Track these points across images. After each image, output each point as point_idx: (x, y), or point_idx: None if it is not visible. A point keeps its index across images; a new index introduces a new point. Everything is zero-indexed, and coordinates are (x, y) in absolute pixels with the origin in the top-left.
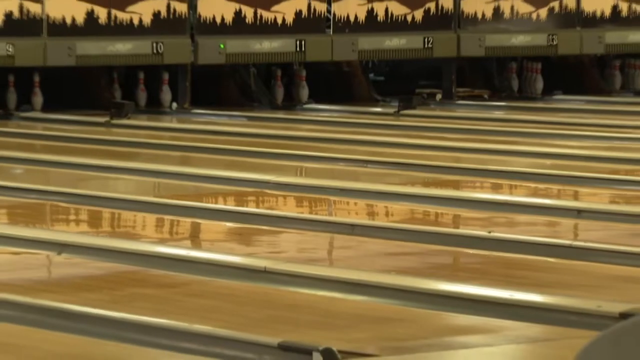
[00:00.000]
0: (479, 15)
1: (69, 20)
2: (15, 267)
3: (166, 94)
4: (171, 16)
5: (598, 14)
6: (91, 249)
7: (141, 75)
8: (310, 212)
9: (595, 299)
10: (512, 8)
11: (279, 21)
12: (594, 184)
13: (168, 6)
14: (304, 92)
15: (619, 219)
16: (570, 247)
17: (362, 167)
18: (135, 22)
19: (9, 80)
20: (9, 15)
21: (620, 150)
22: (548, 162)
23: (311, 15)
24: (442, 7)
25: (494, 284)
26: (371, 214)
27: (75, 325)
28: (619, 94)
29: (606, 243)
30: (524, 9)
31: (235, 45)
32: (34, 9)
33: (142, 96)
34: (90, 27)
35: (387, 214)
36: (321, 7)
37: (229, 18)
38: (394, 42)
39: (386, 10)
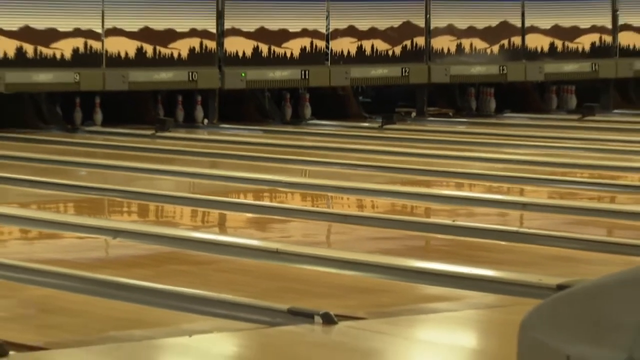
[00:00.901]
0: (445, 51)
1: (123, 55)
2: (80, 248)
3: (199, 112)
4: (203, 51)
5: (539, 49)
6: (140, 234)
7: (179, 98)
8: (312, 205)
9: (538, 274)
10: (471, 44)
11: (288, 55)
12: (536, 183)
13: (201, 43)
14: (308, 111)
15: (556, 211)
16: (517, 232)
17: (354, 170)
18: (175, 56)
19: (76, 102)
20: (76, 51)
21: (557, 157)
22: (499, 165)
23: (313, 51)
24: (416, 44)
25: (458, 262)
26: (360, 207)
27: (127, 295)
28: (554, 112)
29: (545, 230)
30: (480, 45)
31: (253, 74)
32: (96, 45)
33: (180, 114)
34: (140, 60)
35: (373, 207)
36: (321, 44)
37: (248, 53)
38: (378, 71)
39: (372, 46)
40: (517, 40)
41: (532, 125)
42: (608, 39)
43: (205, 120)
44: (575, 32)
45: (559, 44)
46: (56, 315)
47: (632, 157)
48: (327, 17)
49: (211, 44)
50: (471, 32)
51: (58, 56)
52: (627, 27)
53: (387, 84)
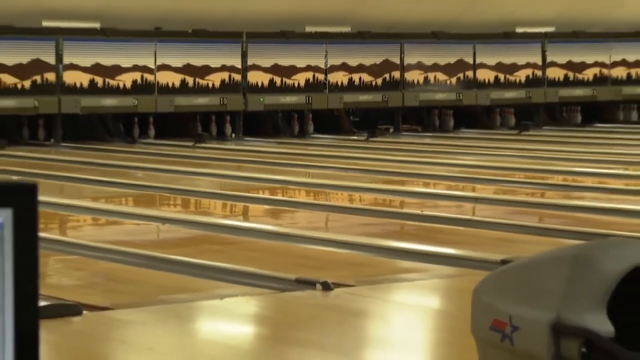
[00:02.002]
0: (415, 82)
1: (170, 85)
2: (137, 232)
3: (228, 128)
4: (231, 82)
5: (486, 80)
6: (182, 222)
7: (213, 117)
8: (314, 199)
9: (486, 252)
10: (435, 77)
11: (296, 85)
12: (485, 182)
13: (229, 76)
14: (310, 127)
15: (500, 204)
16: (470, 220)
17: (346, 173)
18: (210, 85)
19: (134, 120)
20: (134, 82)
21: (500, 162)
22: (456, 169)
23: (315, 82)
24: (393, 77)
25: (425, 242)
26: (351, 200)
27: (173, 268)
28: (498, 128)
29: (492, 218)
30: (442, 77)
31: (269, 99)
32: (150, 78)
33: (213, 129)
34: (183, 89)
35: (360, 200)
36: (321, 77)
37: (265, 83)
38: (365, 97)
39: (360, 78)
40: (470, 73)
41: (481, 138)
42: (539, 72)
43: (233, 135)
44: (514, 68)
45: (501, 76)
46: (119, 283)
47: (557, 162)
48: (326, 56)
49: (237, 76)
50: (435, 67)
51: (121, 86)
52: (553, 64)
53: (371, 107)
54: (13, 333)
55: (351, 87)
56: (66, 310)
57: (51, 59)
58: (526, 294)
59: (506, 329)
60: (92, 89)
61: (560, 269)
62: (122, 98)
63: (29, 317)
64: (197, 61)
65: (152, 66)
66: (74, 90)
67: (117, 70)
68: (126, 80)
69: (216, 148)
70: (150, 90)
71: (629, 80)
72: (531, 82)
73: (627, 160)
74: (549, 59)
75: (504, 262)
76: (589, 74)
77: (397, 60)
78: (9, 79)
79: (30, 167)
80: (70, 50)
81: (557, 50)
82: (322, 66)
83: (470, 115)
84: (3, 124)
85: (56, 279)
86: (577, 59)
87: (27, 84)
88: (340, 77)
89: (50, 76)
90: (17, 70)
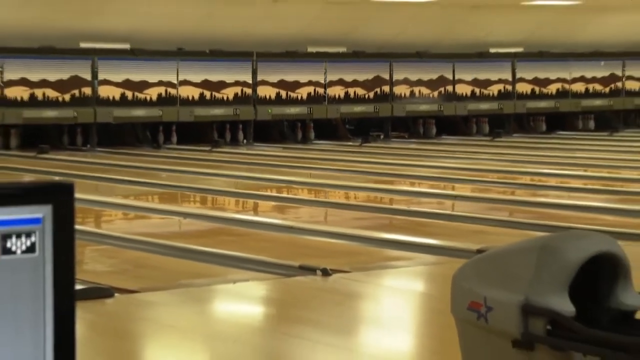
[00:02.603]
0: (403, 95)
1: (190, 97)
2: (162, 225)
3: (240, 135)
4: (243, 95)
5: (464, 94)
6: (201, 216)
7: (227, 125)
8: (315, 197)
9: (464, 242)
10: (419, 91)
11: (299, 98)
12: (463, 182)
13: (242, 90)
14: (312, 134)
15: (476, 201)
16: (450, 215)
17: (342, 174)
18: (225, 98)
19: (160, 128)
20: (160, 95)
21: (476, 164)
22: (438, 170)
23: (316, 95)
24: (383, 90)
25: (411, 234)
26: (347, 198)
27: (192, 256)
28: (474, 135)
29: (469, 213)
30: (425, 91)
31: (276, 110)
32: (173, 92)
33: (227, 136)
34: (202, 101)
35: (355, 198)
36: (321, 90)
37: (273, 96)
38: (359, 108)
39: (354, 92)
40: (450, 88)
41: (460, 144)
42: (509, 87)
43: (244, 141)
44: (487, 83)
45: (477, 90)
46: (146, 269)
47: (525, 165)
48: (325, 73)
49: (248, 90)
50: (419, 82)
51: (148, 99)
52: (522, 80)
53: (364, 117)
54: (53, 313)
55: (347, 99)
56: (100, 292)
57: (87, 76)
58: (499, 278)
59: (481, 309)
60: (123, 102)
61: (529, 257)
62: (149, 109)
63: (66, 299)
64: (214, 77)
65: (175, 81)
66: (107, 102)
67: (144, 85)
68: (152, 93)
69: (230, 152)
70: (173, 103)
71: (587, 94)
72: (503, 96)
73: (585, 163)
74: (518, 75)
75: (479, 251)
76: (552, 88)
77: (386, 77)
78: (51, 93)
79: (70, 169)
80: (104, 68)
81: (525, 68)
82: (322, 81)
83: (450, 124)
84: (46, 131)
85: (91, 265)
86: (542, 75)
87: (67, 97)
88: (337, 91)
89: (87, 90)
90: (58, 86)
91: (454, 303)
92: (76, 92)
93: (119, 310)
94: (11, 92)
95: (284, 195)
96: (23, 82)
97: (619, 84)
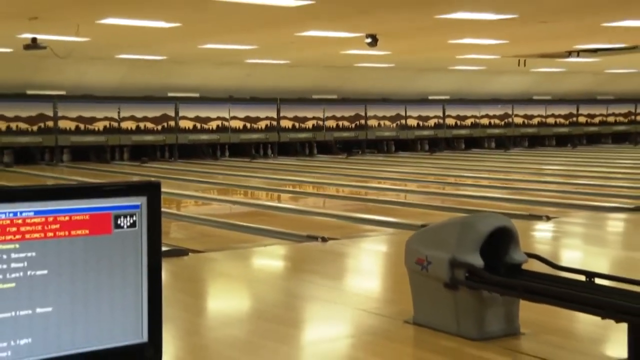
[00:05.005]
0: (373, 125)
1: (238, 127)
2: (219, 209)
3: (269, 152)
4: (271, 125)
5: (412, 125)
6: (244, 203)
7: (261, 145)
8: (317, 191)
9: (413, 220)
10: (384, 123)
11: (307, 127)
12: (411, 182)
13: (270, 122)
14: (315, 151)
15: (421, 194)
16: (404, 202)
17: (335, 175)
18: (259, 127)
19: (217, 147)
20: (217, 126)
21: (420, 170)
22: (397, 174)
23: (318, 125)
24: (360, 123)
25: (380, 214)
26: (337, 191)
27: (238, 229)
28: (419, 151)
29: (417, 201)
30: (387, 123)
31: (292, 135)
32: (226, 123)
33: (261, 152)
34: (245, 130)
35: (343, 191)
36: (321, 123)
37: (289, 126)
38: (345, 134)
39: (342, 124)
40: (403, 121)
41: (410, 157)
42: (441, 121)
43: (272, 155)
44: (427, 118)
45: (420, 122)
46: (209, 237)
47: (451, 170)
48: (324, 112)
49: (274, 122)
50: (384, 117)
51: (209, 128)
52: (449, 116)
53: (349, 140)
54: (147, 266)
55: (337, 128)
56: (179, 252)
57: (172, 113)
58: (435, 243)
59: (424, 263)
60: (194, 130)
61: (454, 229)
62: (210, 134)
63: (156, 257)
64: (252, 114)
65: (228, 117)
66: (184, 130)
67: (207, 119)
68: (212, 125)
69: (262, 162)
70: (226, 130)
71: (490, 125)
72: (437, 126)
73: (489, 169)
74: (447, 113)
75: (422, 226)
76: (467, 122)
77: (363, 114)
78: (150, 125)
79: (161, 173)
80: (183, 108)
81: (450, 108)
82: (322, 117)
83: (403, 144)
84: (146, 149)
85: (173, 235)
86: (462, 113)
87: (159, 127)
88: (331, 123)
89: (172, 123)
90: (154, 120)
91: (406, 259)
92: (165, 124)
93: (191, 264)
94: (125, 124)
95: (297, 189)
96: (131, 118)
97: (510, 119)
